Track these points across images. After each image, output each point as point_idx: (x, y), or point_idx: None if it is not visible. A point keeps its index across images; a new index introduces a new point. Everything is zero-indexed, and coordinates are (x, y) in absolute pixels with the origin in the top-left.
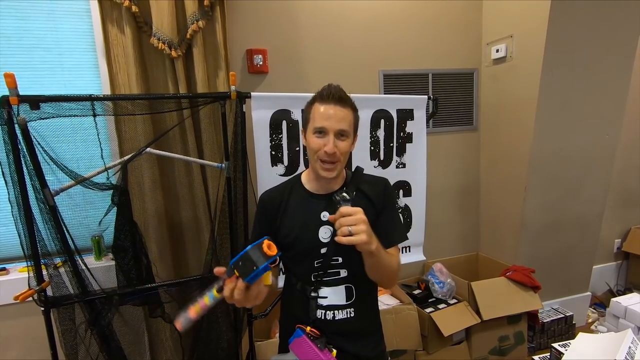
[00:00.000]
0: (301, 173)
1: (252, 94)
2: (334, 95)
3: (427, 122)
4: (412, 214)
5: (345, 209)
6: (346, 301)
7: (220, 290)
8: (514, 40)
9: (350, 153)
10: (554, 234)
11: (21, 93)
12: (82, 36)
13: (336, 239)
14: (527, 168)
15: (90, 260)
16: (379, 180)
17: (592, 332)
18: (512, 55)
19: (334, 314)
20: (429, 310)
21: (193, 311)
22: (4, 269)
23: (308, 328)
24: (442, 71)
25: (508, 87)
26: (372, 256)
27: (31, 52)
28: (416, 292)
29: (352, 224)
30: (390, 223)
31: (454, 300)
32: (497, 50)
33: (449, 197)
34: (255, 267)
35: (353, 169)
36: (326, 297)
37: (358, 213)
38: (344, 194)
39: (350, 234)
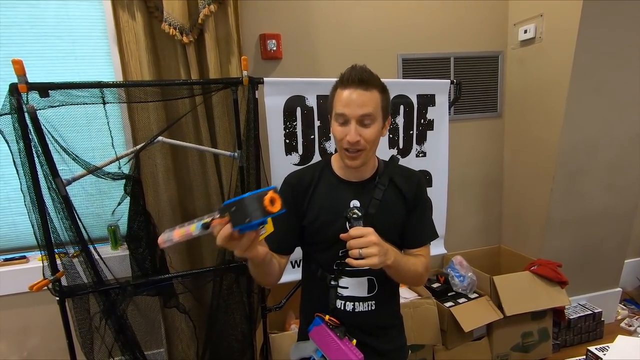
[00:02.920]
0: (331, 156)
1: (265, 79)
2: (354, 77)
3: (450, 108)
4: (433, 206)
5: (355, 230)
6: (367, 293)
7: (206, 227)
8: (544, 20)
9: None
10: (583, 226)
11: (34, 81)
12: (95, 23)
13: (347, 260)
14: (555, 157)
15: (107, 249)
16: (413, 174)
17: (622, 330)
18: (541, 36)
19: (354, 305)
20: (448, 304)
21: (177, 234)
22: (24, 257)
23: (327, 317)
24: (465, 54)
25: (536, 70)
26: (390, 268)
27: (44, 41)
28: (435, 285)
29: (363, 246)
30: (421, 222)
31: (475, 295)
32: (525, 31)
33: (470, 187)
34: (247, 220)
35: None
36: (347, 288)
37: (369, 234)
38: (356, 211)
39: (361, 257)
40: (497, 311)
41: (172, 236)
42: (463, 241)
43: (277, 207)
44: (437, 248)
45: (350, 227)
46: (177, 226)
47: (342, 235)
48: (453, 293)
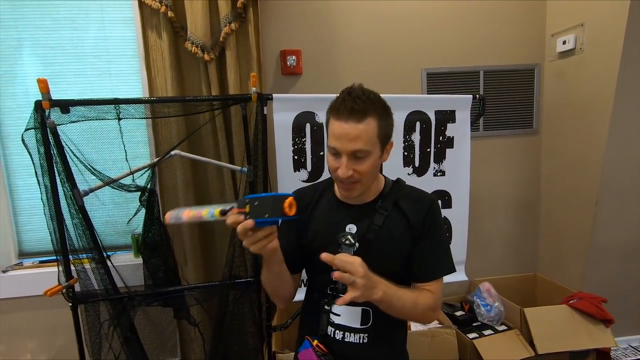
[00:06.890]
0: None
1: (274, 95)
2: (346, 107)
3: (474, 124)
4: (453, 228)
5: (341, 256)
6: (360, 325)
7: (223, 213)
8: (585, 30)
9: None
10: (632, 257)
11: (74, 98)
12: (128, 44)
13: (337, 301)
14: (599, 179)
15: (126, 257)
16: (424, 198)
17: None
18: (582, 47)
19: (344, 334)
20: (472, 335)
21: (187, 214)
22: (57, 260)
23: (315, 342)
24: (496, 68)
25: (577, 84)
26: (380, 303)
27: (83, 60)
28: (458, 313)
29: (347, 275)
30: (431, 253)
31: (503, 327)
32: (564, 42)
33: (503, 208)
34: (266, 215)
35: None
36: (339, 315)
37: (354, 264)
38: (349, 237)
39: (344, 288)
40: (528, 348)
41: (180, 215)
42: (493, 267)
43: (293, 211)
44: (457, 275)
45: (339, 252)
46: (186, 208)
47: (322, 256)
48: (478, 323)
